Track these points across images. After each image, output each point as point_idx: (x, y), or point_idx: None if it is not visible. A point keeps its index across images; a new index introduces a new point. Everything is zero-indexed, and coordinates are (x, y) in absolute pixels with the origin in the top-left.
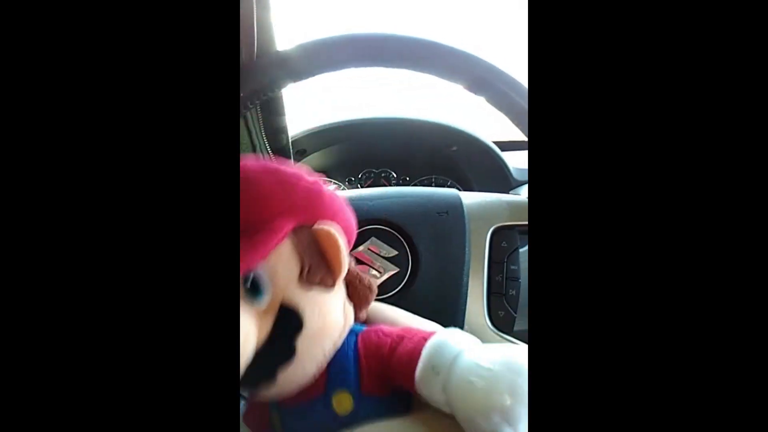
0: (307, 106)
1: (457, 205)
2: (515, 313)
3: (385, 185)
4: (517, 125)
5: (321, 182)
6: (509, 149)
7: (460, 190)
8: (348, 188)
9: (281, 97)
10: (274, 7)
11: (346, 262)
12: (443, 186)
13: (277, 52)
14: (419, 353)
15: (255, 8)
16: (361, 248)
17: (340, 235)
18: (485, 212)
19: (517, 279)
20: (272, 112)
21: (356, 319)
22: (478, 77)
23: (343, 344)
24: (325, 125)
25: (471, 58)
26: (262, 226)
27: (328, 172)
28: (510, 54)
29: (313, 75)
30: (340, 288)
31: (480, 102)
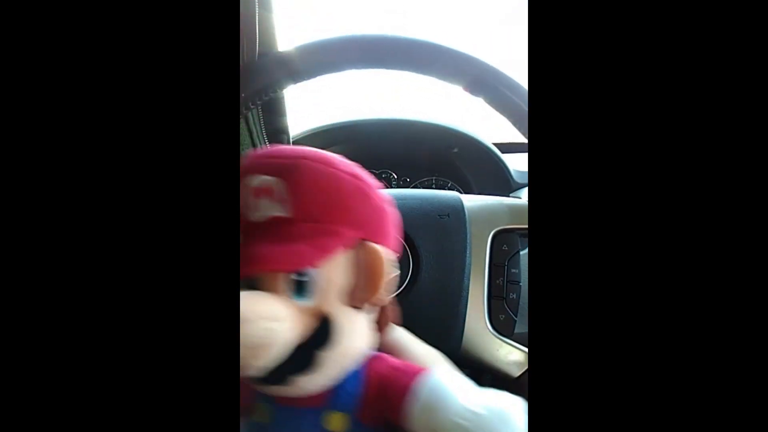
0: (308, 107)
1: (458, 208)
2: (516, 316)
3: (385, 186)
4: (516, 126)
5: (388, 200)
6: (510, 151)
7: (460, 192)
8: None
9: (283, 97)
10: (275, 7)
11: (385, 287)
12: (443, 187)
13: (279, 52)
14: (413, 390)
15: (257, 8)
16: None
17: (389, 260)
18: (486, 215)
19: (517, 282)
20: (273, 112)
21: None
22: (476, 78)
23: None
24: (325, 126)
25: (469, 59)
26: (330, 230)
27: None
28: (510, 55)
29: (314, 76)
30: (370, 311)
31: (480, 103)
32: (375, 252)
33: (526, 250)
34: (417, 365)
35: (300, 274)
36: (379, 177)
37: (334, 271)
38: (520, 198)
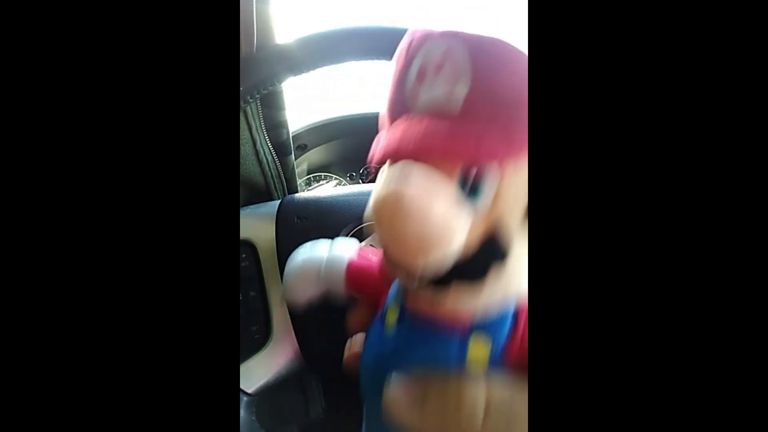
0: (308, 101)
1: None
2: None
3: None
4: None
5: None
6: None
7: None
8: (349, 184)
9: (281, 91)
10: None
11: None
12: None
13: (277, 45)
14: None
15: (255, 1)
16: (362, 244)
17: None
18: None
19: None
20: (272, 106)
21: None
22: None
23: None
24: (325, 120)
25: None
26: (525, 123)
27: (329, 167)
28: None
29: (313, 68)
30: None
31: None
32: None
33: None
34: None
35: (478, 173)
36: (379, 171)
37: (518, 181)
38: None
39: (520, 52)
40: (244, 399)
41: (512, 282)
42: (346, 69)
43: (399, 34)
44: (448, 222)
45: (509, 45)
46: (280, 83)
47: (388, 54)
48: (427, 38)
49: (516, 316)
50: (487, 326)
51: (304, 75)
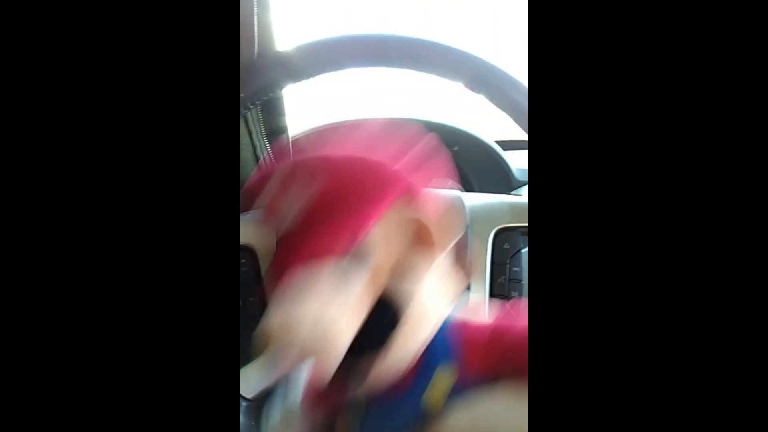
0: (308, 107)
1: (458, 207)
2: None
3: None
4: (518, 123)
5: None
6: (511, 149)
7: (461, 190)
8: None
9: (282, 97)
10: (274, 7)
11: (447, 240)
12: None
13: (278, 52)
14: None
15: (255, 8)
16: None
17: (436, 214)
18: (487, 214)
19: (519, 281)
20: (273, 112)
21: None
22: (476, 75)
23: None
24: (325, 126)
25: (469, 56)
26: (352, 211)
27: None
28: (510, 52)
29: (314, 75)
30: (440, 267)
31: (482, 101)
32: (413, 221)
33: None
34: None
35: (347, 256)
36: None
37: (378, 243)
38: (521, 196)
39: (322, 164)
40: (243, 404)
41: (424, 323)
42: (346, 76)
43: (399, 41)
44: (323, 315)
45: (311, 160)
46: (281, 90)
47: (385, 60)
48: (266, 175)
49: (443, 334)
50: (433, 357)
51: (304, 81)
